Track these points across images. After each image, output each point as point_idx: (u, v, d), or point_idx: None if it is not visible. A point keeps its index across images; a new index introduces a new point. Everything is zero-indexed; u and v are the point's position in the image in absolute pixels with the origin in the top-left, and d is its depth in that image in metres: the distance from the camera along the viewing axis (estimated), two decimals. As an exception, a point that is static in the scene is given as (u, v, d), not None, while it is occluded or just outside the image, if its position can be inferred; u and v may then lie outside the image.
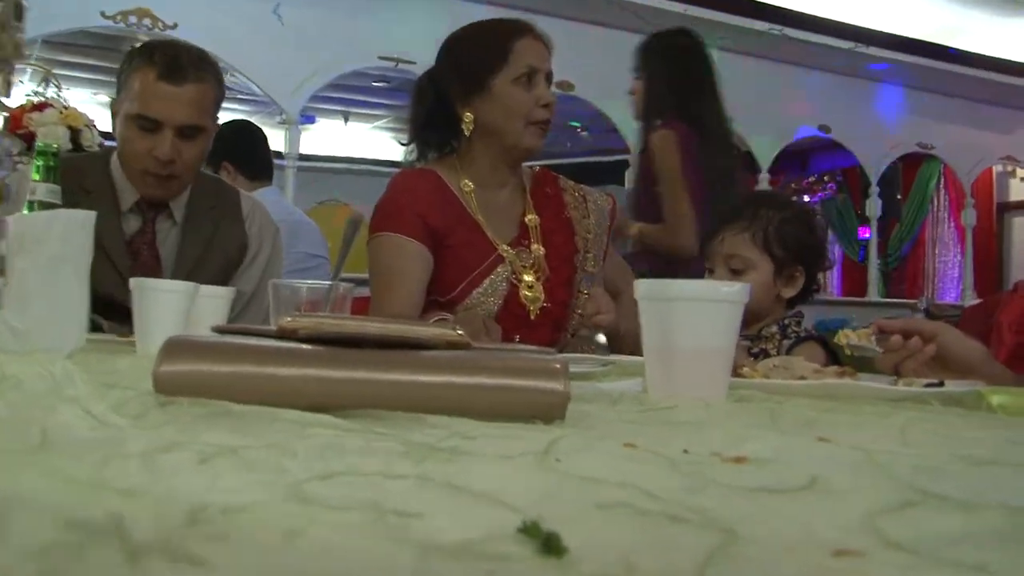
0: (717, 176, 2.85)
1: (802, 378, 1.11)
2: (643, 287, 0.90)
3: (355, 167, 10.27)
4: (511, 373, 0.72)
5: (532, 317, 1.99)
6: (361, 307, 2.06)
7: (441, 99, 2.04)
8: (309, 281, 1.13)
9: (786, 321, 1.79)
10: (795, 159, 11.10)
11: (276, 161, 5.55)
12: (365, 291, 2.06)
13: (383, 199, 2.02)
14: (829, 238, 11.86)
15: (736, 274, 1.78)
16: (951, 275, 11.48)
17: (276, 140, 5.68)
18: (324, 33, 5.54)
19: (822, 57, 7.12)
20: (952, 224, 11.04)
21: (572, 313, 2.04)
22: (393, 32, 5.61)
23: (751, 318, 1.79)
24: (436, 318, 1.68)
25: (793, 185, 11.68)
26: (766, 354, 1.73)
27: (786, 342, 1.75)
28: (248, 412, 0.64)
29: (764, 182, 7.26)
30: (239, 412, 0.64)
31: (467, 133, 2.03)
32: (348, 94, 8.85)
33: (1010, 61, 7.80)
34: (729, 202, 2.16)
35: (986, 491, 0.48)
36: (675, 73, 3.02)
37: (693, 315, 0.87)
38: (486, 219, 2.05)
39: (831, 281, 11.95)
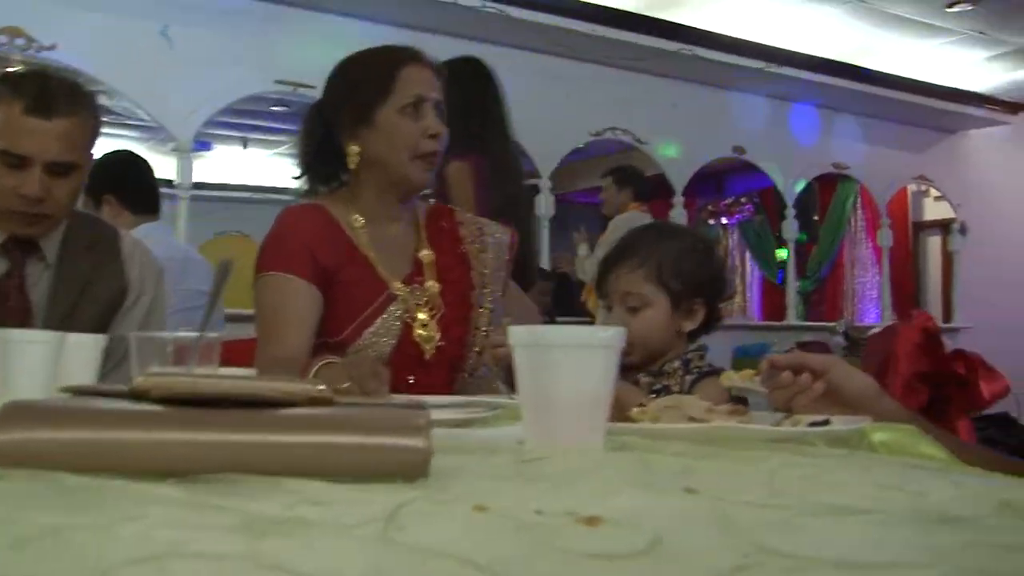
0: (506, 203, 2.94)
1: (691, 419, 1.14)
2: (517, 333, 0.91)
3: (255, 196, 10.17)
4: (370, 430, 0.72)
5: (427, 357, 1.99)
6: (246, 349, 2.03)
7: (328, 131, 2.04)
8: (175, 333, 1.11)
9: (689, 355, 1.82)
10: (710, 181, 11.31)
11: (167, 191, 5.46)
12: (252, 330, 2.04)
13: (269, 236, 2.01)
14: (748, 260, 12.12)
15: (633, 312, 1.81)
16: (870, 296, 11.82)
17: (168, 168, 5.60)
18: (217, 56, 5.48)
19: (735, 78, 7.30)
20: (870, 244, 11.37)
21: (470, 352, 2.05)
22: (290, 55, 5.58)
23: (652, 354, 1.82)
24: (323, 362, 1.67)
25: (709, 207, 11.92)
26: (668, 391, 1.76)
27: (689, 377, 1.78)
28: (85, 485, 0.63)
29: (679, 205, 7.40)
30: (75, 486, 0.63)
31: (352, 167, 2.03)
32: (246, 119, 8.77)
33: (921, 82, 8.11)
34: (519, 228, 2.23)
35: (826, 546, 0.50)
36: (464, 102, 3.09)
37: (568, 362, 0.88)
38: (377, 255, 2.04)
39: (751, 305, 12.21)
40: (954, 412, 1.58)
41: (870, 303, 11.75)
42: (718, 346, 6.26)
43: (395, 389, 1.94)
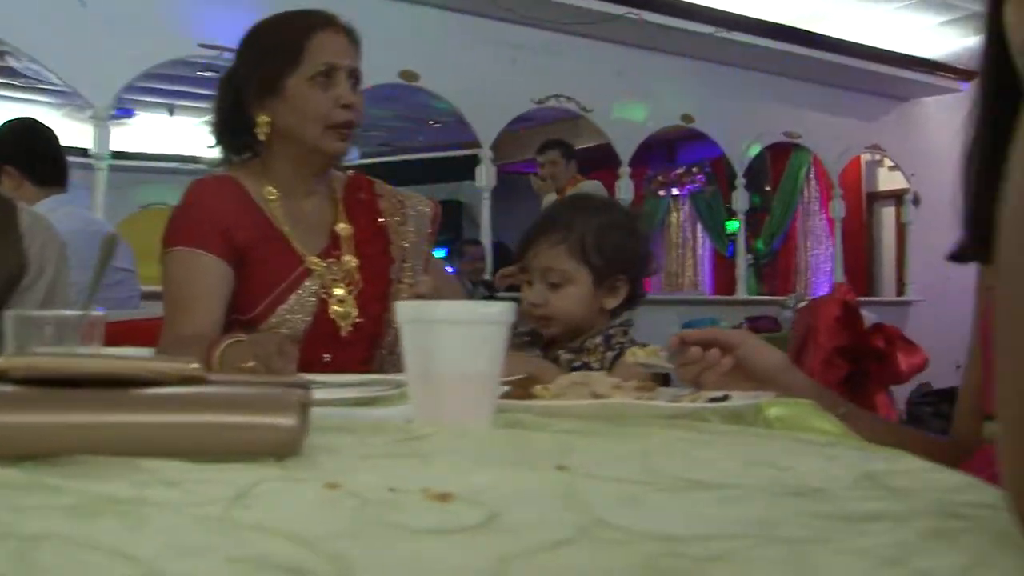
0: None
1: (596, 396, 1.16)
2: (404, 309, 0.93)
3: (183, 166, 10.06)
4: (237, 409, 0.74)
5: (344, 334, 2.01)
6: (152, 327, 2.03)
7: (239, 100, 2.04)
8: (54, 312, 1.11)
9: (611, 331, 1.85)
10: (661, 150, 11.39)
11: (83, 161, 5.39)
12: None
13: (177, 210, 2.01)
14: (699, 232, 12.23)
15: (554, 288, 1.84)
16: (823, 269, 11.97)
17: (86, 137, 5.52)
18: (135, 18, 5.41)
19: (683, 43, 7.35)
20: (823, 216, 11.50)
21: (388, 329, 2.06)
22: (215, 17, 5.52)
23: (574, 331, 1.85)
24: (230, 340, 1.67)
25: (660, 177, 12.00)
26: (588, 367, 1.79)
27: (610, 354, 1.81)
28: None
29: (625, 175, 7.45)
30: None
31: (262, 138, 2.03)
32: (172, 85, 8.66)
33: (874, 48, 8.21)
34: None
35: (661, 520, 0.52)
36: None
37: (453, 338, 0.90)
38: (292, 229, 2.05)
39: (702, 279, 12.33)
40: (873, 386, 1.63)
41: (823, 276, 11.90)
42: (666, 322, 6.33)
43: (310, 367, 1.95)
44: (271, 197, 2.06)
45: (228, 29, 5.65)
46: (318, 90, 1.97)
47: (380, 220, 2.17)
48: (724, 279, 11.80)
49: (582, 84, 7.08)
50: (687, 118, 7.74)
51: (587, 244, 1.83)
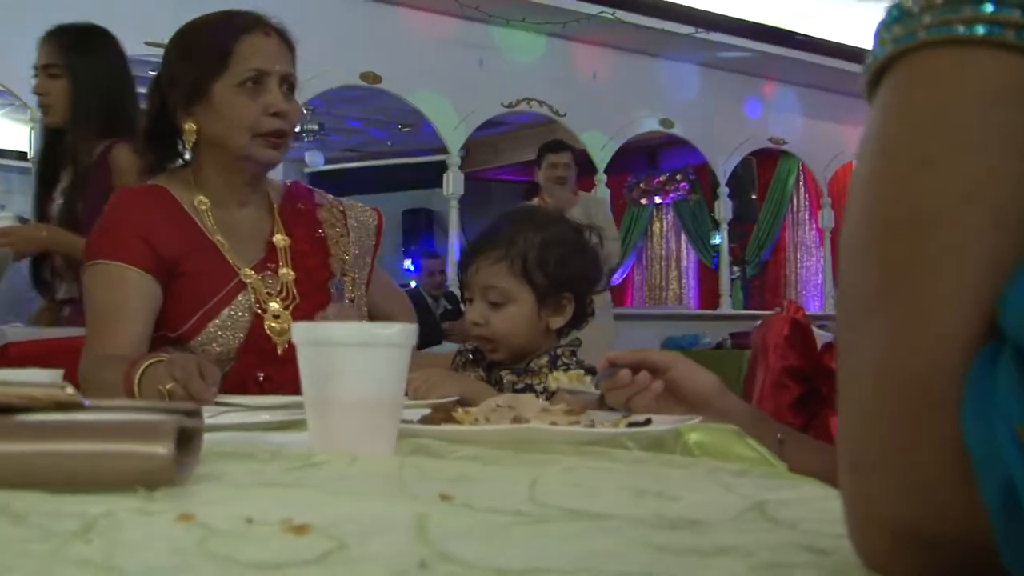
0: None
1: (518, 420, 1.18)
2: (299, 330, 0.95)
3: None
4: (107, 437, 0.75)
5: (280, 352, 2.02)
6: (74, 346, 2.04)
7: (166, 106, 2.06)
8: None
9: (558, 351, 1.87)
10: (642, 156, 11.46)
11: (24, 165, 5.37)
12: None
13: (101, 222, 2.02)
14: (684, 243, 12.27)
15: (495, 307, 1.86)
16: (815, 282, 12.01)
17: (22, 137, 5.50)
18: (75, 12, 5.38)
19: (661, 44, 7.41)
20: (813, 226, 11.55)
21: (326, 346, 2.08)
22: (161, 13, 5.51)
23: (518, 352, 1.87)
24: (151, 360, 1.68)
25: (642, 185, 12.07)
26: (532, 390, 1.80)
27: (557, 372, 1.82)
28: None
29: (601, 183, 7.49)
30: None
31: (188, 146, 2.05)
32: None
33: (862, 48, 8.28)
34: None
35: (502, 554, 0.54)
36: (112, 80, 3.07)
37: (349, 361, 0.92)
38: (226, 240, 2.07)
39: (687, 293, 12.39)
40: (827, 409, 1.65)
41: (814, 290, 11.95)
42: (648, 337, 6.35)
43: (244, 387, 1.97)
44: (202, 207, 2.08)
45: (178, 25, 5.67)
46: (246, 97, 1.99)
47: (319, 231, 2.19)
48: (710, 292, 11.84)
49: (555, 87, 7.13)
50: (667, 123, 7.80)
51: (529, 261, 1.84)
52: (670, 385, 1.32)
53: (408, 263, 12.89)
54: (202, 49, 2.01)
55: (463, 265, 1.92)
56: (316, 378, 0.94)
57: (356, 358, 0.93)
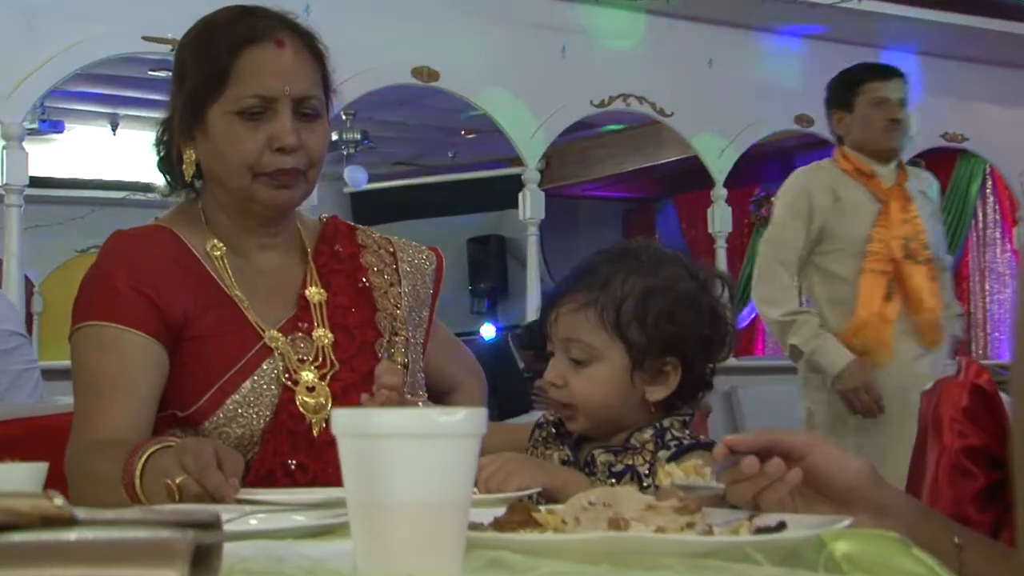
0: None
1: (618, 522, 1.19)
2: (340, 418, 0.97)
3: (132, 196, 10.23)
4: (107, 559, 0.78)
5: (316, 433, 2.04)
6: (61, 426, 2.08)
7: (170, 126, 2.12)
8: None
9: (665, 423, 1.86)
10: (773, 163, 11.38)
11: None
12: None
13: (90, 274, 2.07)
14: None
15: (578, 365, 1.86)
16: (1010, 321, 11.68)
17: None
18: (58, 5, 5.56)
19: (794, 18, 7.39)
20: (1006, 247, 11.28)
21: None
22: (163, 2, 5.65)
23: (607, 424, 1.87)
24: (154, 447, 1.72)
25: (774, 199, 12.00)
26: (634, 473, 1.81)
27: (663, 454, 1.82)
28: None
29: (719, 200, 7.48)
30: None
31: (187, 177, 2.12)
32: (114, 89, 8.87)
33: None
34: None
35: None
36: None
37: (401, 457, 0.94)
38: (247, 295, 2.11)
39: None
40: (1024, 503, 1.61)
41: (1009, 330, 11.71)
42: (780, 398, 6.24)
43: (272, 478, 2.00)
44: (216, 253, 2.13)
45: (180, 17, 5.79)
46: (245, 127, 2.02)
47: (363, 281, 2.22)
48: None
49: (658, 80, 7.14)
50: (804, 120, 7.75)
51: (624, 311, 1.83)
52: (809, 475, 1.31)
53: (475, 304, 12.95)
54: (196, 63, 2.06)
55: (545, 310, 1.92)
56: (363, 478, 0.96)
57: (412, 454, 0.95)
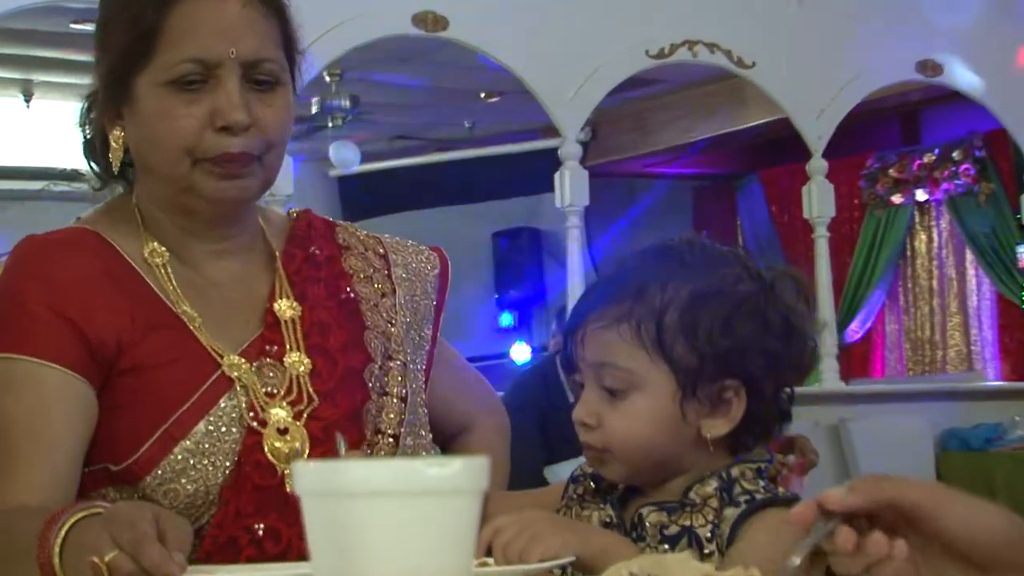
0: None
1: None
2: (301, 473, 1.00)
3: (54, 187, 10.25)
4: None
5: (290, 488, 2.04)
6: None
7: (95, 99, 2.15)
8: None
9: (734, 472, 1.86)
10: (890, 124, 11.37)
11: None
12: None
13: (-4, 292, 2.08)
14: (969, 265, 12.05)
15: (613, 397, 1.85)
16: None
17: None
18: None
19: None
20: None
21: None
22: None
23: (654, 472, 1.87)
24: (79, 514, 1.71)
25: (892, 172, 11.95)
26: (692, 536, 1.81)
27: (731, 512, 1.82)
28: None
29: (819, 173, 7.46)
30: None
31: (114, 164, 2.13)
32: (28, 48, 8.91)
33: None
34: None
35: None
36: None
37: (384, 521, 0.96)
38: (200, 311, 2.12)
39: (979, 352, 12.17)
40: None
41: None
42: (911, 430, 6.29)
43: (235, 549, 2.02)
44: (158, 260, 2.13)
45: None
46: (178, 101, 2.02)
47: (348, 291, 2.24)
48: (1020, 352, 11.63)
49: (734, 21, 7.15)
50: (930, 67, 7.75)
51: (667, 325, 1.83)
52: (935, 535, 1.32)
53: (506, 318, 12.91)
54: (119, 20, 2.07)
55: (569, 330, 1.93)
56: (333, 549, 0.98)
57: (395, 516, 0.97)
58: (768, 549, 1.67)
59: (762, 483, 1.86)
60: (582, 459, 1.95)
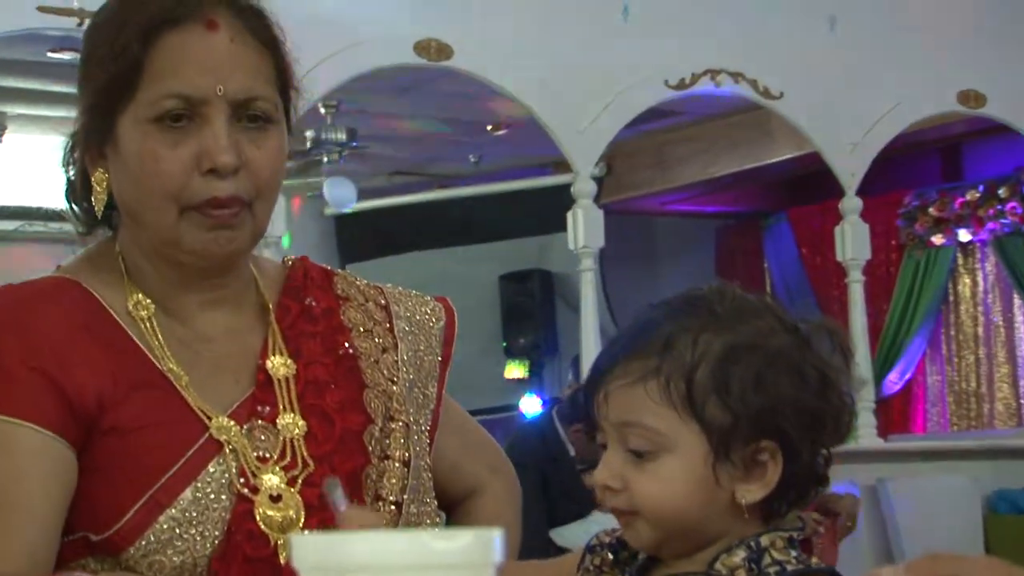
0: None
1: None
2: (299, 547, 1.01)
3: (29, 227, 10.28)
4: None
5: (284, 559, 2.05)
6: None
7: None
8: None
9: (763, 541, 1.87)
10: (929, 159, 11.38)
11: None
12: None
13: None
14: (1019, 311, 12.02)
15: (640, 459, 1.85)
16: None
17: None
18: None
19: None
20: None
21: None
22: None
23: (688, 540, 1.87)
24: None
25: (932, 210, 11.95)
26: None
27: None
28: None
29: (853, 212, 7.46)
30: None
31: (97, 207, 2.13)
32: (2, 78, 8.94)
33: None
34: None
35: None
36: None
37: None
38: (187, 369, 2.12)
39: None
40: None
41: None
42: (955, 491, 6.29)
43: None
44: (142, 312, 2.14)
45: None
46: (161, 141, 2.03)
47: (346, 346, 2.25)
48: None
49: (760, 49, 7.16)
50: (972, 98, 7.76)
51: (698, 381, 1.84)
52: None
53: (515, 368, 12.88)
54: (102, 54, 2.07)
55: (591, 385, 1.92)
56: None
57: None
58: None
59: (793, 553, 1.86)
60: (590, 520, 1.96)
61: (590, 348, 7.00)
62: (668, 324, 1.88)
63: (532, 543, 5.58)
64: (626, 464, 1.86)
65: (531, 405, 11.27)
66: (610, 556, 1.96)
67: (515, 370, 12.80)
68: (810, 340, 1.90)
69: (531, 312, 12.50)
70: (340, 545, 1.02)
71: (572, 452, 6.78)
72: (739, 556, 1.85)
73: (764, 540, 1.86)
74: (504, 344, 12.69)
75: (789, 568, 1.82)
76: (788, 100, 7.26)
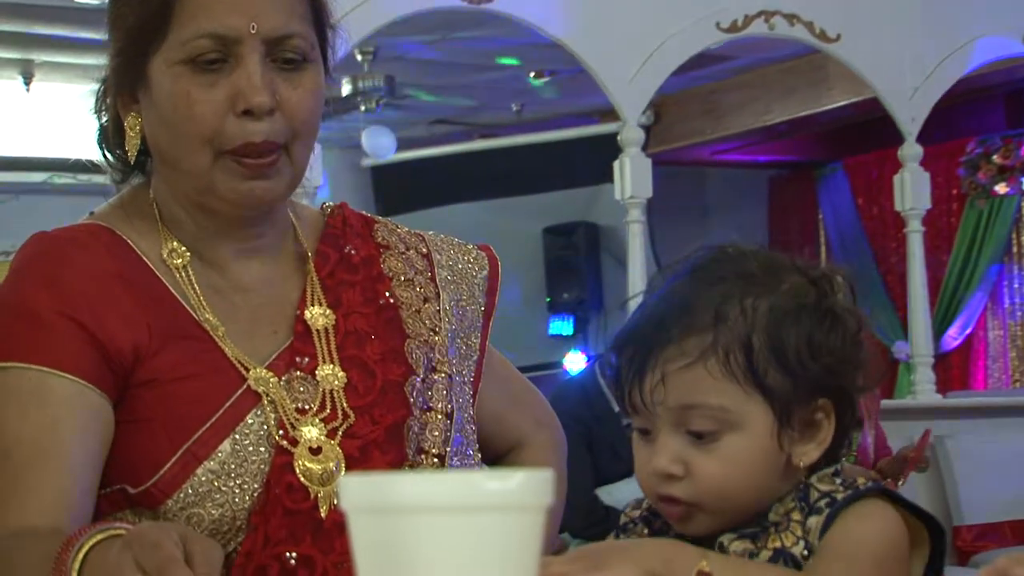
0: None
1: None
2: (350, 488, 1.02)
3: (58, 179, 10.31)
4: None
5: (324, 512, 2.06)
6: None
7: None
8: None
9: (810, 481, 1.88)
10: (992, 105, 11.29)
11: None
12: None
13: (3, 292, 2.09)
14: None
15: (702, 442, 1.85)
16: None
17: None
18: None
19: None
20: None
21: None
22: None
23: (743, 515, 1.87)
24: (97, 536, 1.73)
25: (996, 157, 11.86)
26: (787, 558, 1.82)
27: (814, 520, 1.84)
28: None
29: (912, 160, 7.43)
30: None
31: (130, 153, 2.15)
32: (28, 24, 8.95)
33: None
34: None
35: None
36: None
37: (438, 539, 0.98)
38: (224, 320, 2.14)
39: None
40: None
41: None
42: (1015, 446, 6.31)
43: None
44: (177, 261, 2.16)
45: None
46: (194, 83, 2.04)
47: (387, 295, 2.26)
48: None
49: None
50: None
51: (756, 350, 1.84)
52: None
53: (561, 325, 12.85)
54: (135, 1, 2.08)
55: (635, 369, 1.89)
56: (382, 568, 1.00)
57: (451, 534, 0.98)
58: (864, 539, 1.77)
59: (839, 480, 1.88)
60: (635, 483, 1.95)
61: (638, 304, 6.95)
62: (709, 291, 1.88)
63: (578, 501, 5.61)
64: (686, 448, 1.86)
65: (576, 362, 11.26)
66: (646, 531, 1.97)
67: (559, 326, 12.79)
68: (833, 287, 1.92)
69: (576, 266, 12.46)
70: (390, 486, 1.01)
71: (616, 407, 6.75)
72: (791, 502, 1.87)
73: (811, 481, 1.89)
74: (548, 299, 12.67)
75: (839, 497, 1.84)
76: (845, 43, 7.23)
